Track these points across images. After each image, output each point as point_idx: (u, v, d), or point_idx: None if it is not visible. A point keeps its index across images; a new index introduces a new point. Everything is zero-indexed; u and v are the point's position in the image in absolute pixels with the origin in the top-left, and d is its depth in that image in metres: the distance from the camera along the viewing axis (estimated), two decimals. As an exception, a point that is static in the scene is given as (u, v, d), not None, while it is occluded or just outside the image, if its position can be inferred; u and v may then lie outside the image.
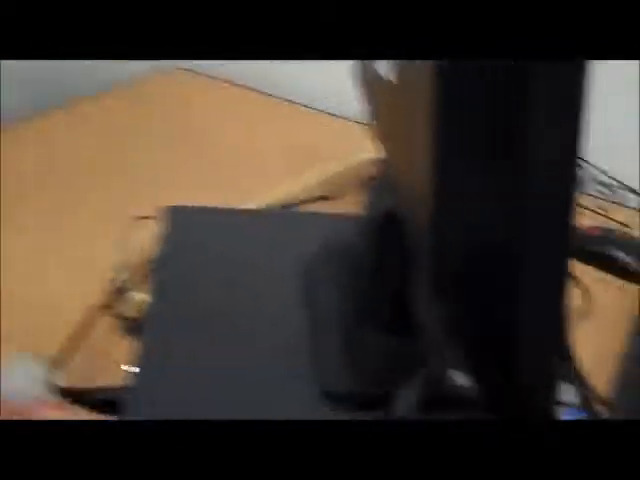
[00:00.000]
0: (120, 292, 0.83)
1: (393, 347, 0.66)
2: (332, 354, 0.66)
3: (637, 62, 0.99)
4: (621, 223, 1.03)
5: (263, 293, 0.75)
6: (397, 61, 0.57)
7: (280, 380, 0.66)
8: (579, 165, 0.46)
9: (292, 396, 0.64)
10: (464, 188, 0.47)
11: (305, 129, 1.26)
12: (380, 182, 0.71)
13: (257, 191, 1.00)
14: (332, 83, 1.12)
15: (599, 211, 1.06)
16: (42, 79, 1.28)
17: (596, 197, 1.10)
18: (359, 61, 0.70)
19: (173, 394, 0.64)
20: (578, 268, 0.88)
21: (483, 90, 0.48)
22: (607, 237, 0.97)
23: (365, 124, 0.72)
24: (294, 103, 1.34)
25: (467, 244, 0.48)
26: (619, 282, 0.93)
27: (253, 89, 1.38)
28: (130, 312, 0.82)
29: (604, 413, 0.67)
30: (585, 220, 1.00)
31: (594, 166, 1.10)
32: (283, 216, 0.93)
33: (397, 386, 0.63)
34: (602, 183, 1.11)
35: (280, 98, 1.35)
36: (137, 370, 0.65)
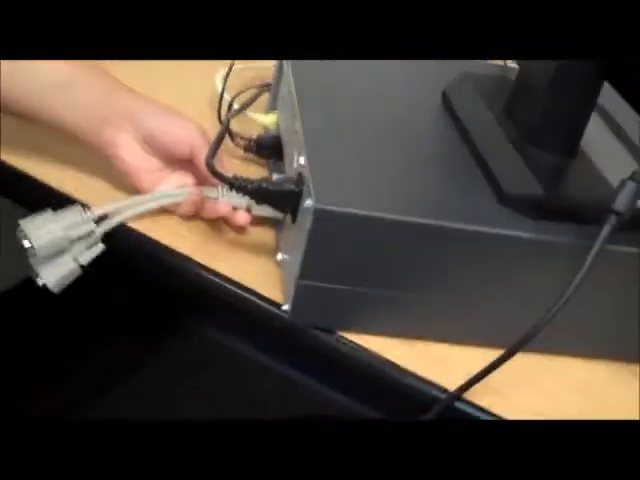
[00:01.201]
0: (236, 112, 0.81)
1: (562, 167, 0.68)
2: (509, 164, 0.67)
3: None
4: None
5: (409, 110, 0.75)
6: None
7: (452, 186, 0.66)
8: None
9: (468, 200, 0.65)
10: None
11: None
12: None
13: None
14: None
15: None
16: None
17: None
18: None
19: (348, 189, 0.63)
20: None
21: None
22: None
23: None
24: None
25: None
26: None
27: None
28: (249, 131, 0.80)
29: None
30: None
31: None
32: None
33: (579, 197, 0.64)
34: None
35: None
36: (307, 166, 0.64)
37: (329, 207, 0.60)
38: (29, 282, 0.66)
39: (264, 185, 0.65)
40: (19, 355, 1.35)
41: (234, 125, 0.81)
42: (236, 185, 0.65)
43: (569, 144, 0.68)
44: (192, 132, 0.70)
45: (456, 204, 0.63)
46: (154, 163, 0.71)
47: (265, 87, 0.84)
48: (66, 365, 1.43)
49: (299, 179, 0.65)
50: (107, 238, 0.68)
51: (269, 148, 0.79)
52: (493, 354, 0.60)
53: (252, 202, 0.68)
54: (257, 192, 0.65)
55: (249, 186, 0.65)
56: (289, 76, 0.76)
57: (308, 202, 0.60)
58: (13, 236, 0.66)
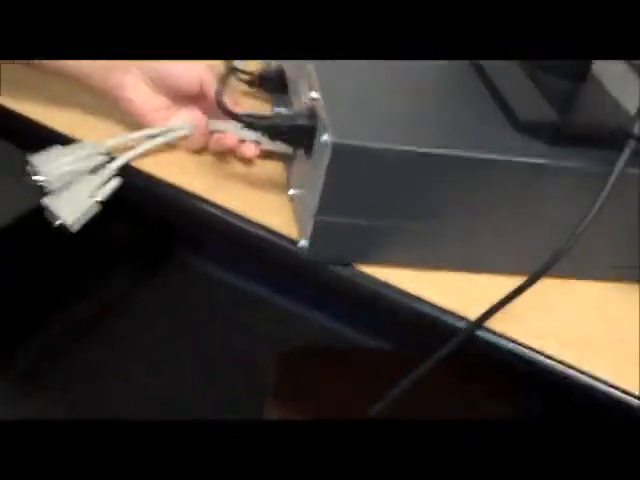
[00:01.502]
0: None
1: (575, 92, 0.67)
2: (522, 91, 0.66)
3: None
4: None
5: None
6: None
7: (467, 116, 0.66)
8: None
9: (484, 129, 0.64)
10: None
11: None
12: None
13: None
14: None
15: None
16: None
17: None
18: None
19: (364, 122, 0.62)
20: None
21: None
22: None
23: None
24: None
25: None
26: None
27: None
28: (249, 66, 0.79)
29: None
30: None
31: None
32: None
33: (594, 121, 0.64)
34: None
35: None
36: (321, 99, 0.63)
37: (347, 141, 0.59)
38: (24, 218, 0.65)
39: (277, 121, 0.65)
40: (17, 288, 1.36)
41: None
42: (248, 121, 0.64)
43: (580, 69, 0.68)
44: (200, 67, 0.69)
45: (472, 133, 0.63)
46: (163, 101, 0.70)
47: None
48: (61, 298, 1.44)
49: (311, 113, 0.64)
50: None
51: (273, 82, 0.78)
52: (512, 282, 0.61)
53: (261, 136, 0.68)
54: (269, 128, 0.65)
55: (261, 122, 0.65)
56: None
57: (325, 137, 0.60)
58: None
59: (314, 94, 0.63)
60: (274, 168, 0.72)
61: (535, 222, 0.65)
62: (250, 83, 0.79)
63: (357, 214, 0.62)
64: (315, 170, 0.62)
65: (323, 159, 0.60)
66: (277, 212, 0.67)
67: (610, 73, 0.69)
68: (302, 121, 0.64)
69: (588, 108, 0.67)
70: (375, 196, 0.62)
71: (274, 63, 0.80)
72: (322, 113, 0.61)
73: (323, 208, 0.62)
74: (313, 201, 0.62)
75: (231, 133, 0.69)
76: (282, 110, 0.75)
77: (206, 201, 0.67)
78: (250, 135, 0.69)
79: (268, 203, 0.68)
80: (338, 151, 0.59)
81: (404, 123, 0.63)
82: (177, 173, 0.69)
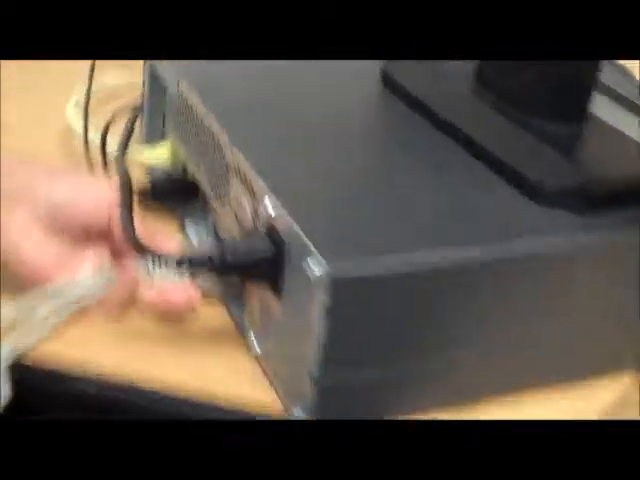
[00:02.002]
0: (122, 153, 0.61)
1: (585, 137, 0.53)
2: (521, 146, 0.51)
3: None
4: None
5: (350, 104, 0.59)
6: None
7: (471, 195, 0.50)
8: None
9: (500, 210, 0.49)
10: None
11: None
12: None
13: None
14: None
15: None
16: None
17: None
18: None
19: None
20: None
21: None
22: None
23: None
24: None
25: None
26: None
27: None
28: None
29: None
30: None
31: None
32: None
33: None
34: None
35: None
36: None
37: (348, 273, 0.42)
38: None
39: (230, 258, 0.46)
40: None
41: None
42: (191, 267, 0.46)
43: (580, 106, 0.53)
44: (107, 195, 0.51)
45: (493, 220, 0.47)
46: (62, 246, 0.50)
47: (136, 111, 0.64)
48: None
49: (273, 235, 0.46)
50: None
51: (173, 193, 0.60)
52: (580, 395, 0.47)
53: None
54: (222, 269, 0.46)
55: (209, 264, 0.46)
56: (184, 92, 0.57)
57: (313, 269, 0.42)
58: None
59: (270, 208, 0.46)
60: (212, 313, 0.53)
61: (597, 311, 0.50)
62: (141, 197, 0.60)
63: (370, 363, 0.45)
64: (298, 313, 0.44)
65: (313, 299, 0.42)
66: (242, 377, 0.49)
67: (605, 110, 0.56)
68: (262, 249, 0.46)
69: (612, 157, 0.52)
70: (390, 334, 0.45)
71: (159, 166, 0.61)
72: (295, 235, 0.44)
73: (324, 364, 0.44)
74: (307, 356, 0.44)
75: (161, 279, 0.49)
76: (199, 230, 0.57)
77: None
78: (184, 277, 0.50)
79: (227, 366, 0.50)
80: (337, 286, 0.42)
81: (402, 226, 0.46)
82: (94, 352, 0.49)
